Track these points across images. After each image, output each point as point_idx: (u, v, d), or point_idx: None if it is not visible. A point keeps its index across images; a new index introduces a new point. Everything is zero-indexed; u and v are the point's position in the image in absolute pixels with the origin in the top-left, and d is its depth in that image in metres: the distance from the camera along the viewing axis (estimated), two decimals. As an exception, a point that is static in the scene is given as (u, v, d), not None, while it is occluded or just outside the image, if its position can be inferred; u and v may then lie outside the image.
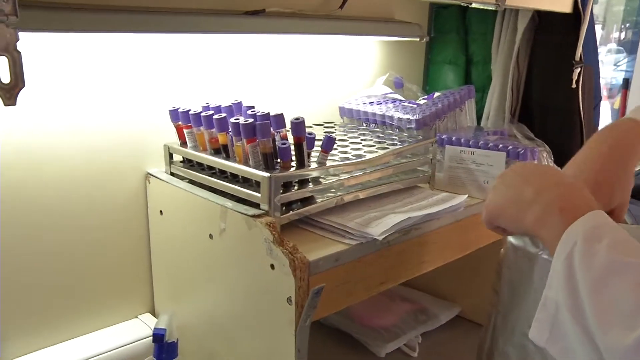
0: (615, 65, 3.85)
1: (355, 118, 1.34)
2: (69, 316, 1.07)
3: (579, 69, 1.37)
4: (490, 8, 1.20)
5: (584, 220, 0.60)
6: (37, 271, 1.00)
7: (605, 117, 3.10)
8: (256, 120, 0.92)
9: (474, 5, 1.20)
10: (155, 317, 1.16)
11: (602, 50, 3.81)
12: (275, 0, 1.16)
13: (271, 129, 0.92)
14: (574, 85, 1.37)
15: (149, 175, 1.09)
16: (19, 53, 0.63)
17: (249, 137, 0.91)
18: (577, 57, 1.37)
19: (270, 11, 1.13)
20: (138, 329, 1.11)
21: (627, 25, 3.83)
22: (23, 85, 0.64)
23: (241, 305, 0.94)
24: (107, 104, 1.03)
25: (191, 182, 1.03)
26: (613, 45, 3.93)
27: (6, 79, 0.63)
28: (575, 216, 0.61)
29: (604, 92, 3.50)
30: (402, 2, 1.48)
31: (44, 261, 1.01)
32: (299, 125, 0.91)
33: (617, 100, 3.17)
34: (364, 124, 1.33)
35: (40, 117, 0.96)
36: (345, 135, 1.21)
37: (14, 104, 0.64)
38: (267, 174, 0.88)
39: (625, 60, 3.74)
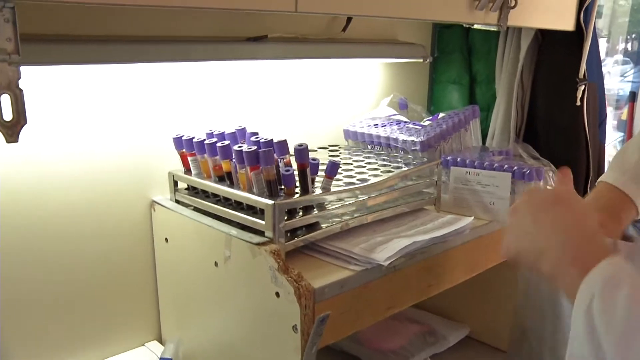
0: (622, 76, 3.85)
1: (360, 141, 1.34)
2: (75, 345, 1.06)
3: (583, 86, 1.36)
4: (492, 29, 1.21)
5: (599, 271, 0.60)
6: (42, 299, 1.01)
7: (612, 129, 3.09)
8: (259, 147, 0.92)
9: (476, 26, 1.20)
10: (162, 344, 1.16)
11: (609, 62, 3.82)
12: (278, 26, 1.17)
13: (275, 156, 0.92)
14: (578, 103, 1.37)
15: (154, 202, 1.09)
16: (21, 90, 0.63)
17: (253, 165, 0.91)
18: (581, 75, 1.37)
19: (272, 37, 1.13)
20: (145, 358, 1.10)
21: (633, 36, 3.84)
22: (25, 122, 0.64)
23: (247, 333, 0.94)
24: (111, 132, 1.04)
25: (196, 209, 1.04)
26: (620, 57, 3.94)
27: (8, 116, 0.64)
28: (588, 265, 0.60)
29: (613, 103, 3.51)
30: (405, 23, 1.49)
31: (49, 289, 1.01)
32: (302, 151, 0.91)
33: (625, 112, 3.16)
34: (369, 147, 1.33)
35: (45, 146, 0.96)
36: (350, 158, 1.21)
37: (16, 140, 0.64)
38: (270, 202, 0.88)
39: (632, 71, 3.74)
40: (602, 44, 3.86)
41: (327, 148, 1.31)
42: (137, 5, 0.71)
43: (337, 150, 1.30)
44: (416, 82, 1.60)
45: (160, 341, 1.17)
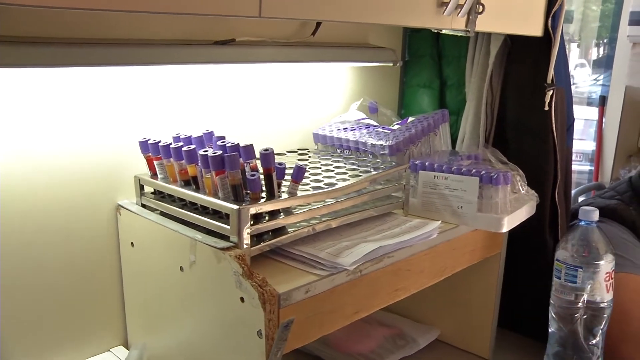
0: (594, 80, 3.92)
1: (329, 144, 1.34)
2: (38, 350, 1.05)
3: (552, 91, 1.38)
4: (461, 34, 1.21)
5: None
6: (4, 304, 0.99)
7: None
8: (225, 152, 0.91)
9: (444, 31, 1.21)
10: (128, 350, 1.14)
11: (580, 66, 3.89)
12: (246, 29, 1.16)
13: (240, 160, 0.92)
14: (546, 108, 1.38)
15: (119, 206, 1.08)
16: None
17: (218, 169, 0.90)
18: (549, 80, 1.38)
19: (240, 40, 1.13)
20: (110, 363, 1.09)
21: (605, 41, 3.92)
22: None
23: (213, 338, 0.93)
24: (77, 135, 1.02)
25: (162, 213, 1.03)
26: (591, 60, 4.02)
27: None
28: None
29: (584, 105, 3.57)
30: (375, 27, 1.49)
31: (10, 294, 0.99)
32: (267, 156, 0.91)
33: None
34: (338, 151, 1.33)
35: (9, 148, 0.95)
36: (318, 162, 1.21)
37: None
38: (235, 206, 0.87)
39: (602, 76, 3.80)
40: (574, 49, 3.93)
41: (296, 152, 1.31)
42: (102, 10, 0.70)
43: (306, 154, 1.30)
44: (387, 86, 1.61)
45: (127, 346, 1.16)
